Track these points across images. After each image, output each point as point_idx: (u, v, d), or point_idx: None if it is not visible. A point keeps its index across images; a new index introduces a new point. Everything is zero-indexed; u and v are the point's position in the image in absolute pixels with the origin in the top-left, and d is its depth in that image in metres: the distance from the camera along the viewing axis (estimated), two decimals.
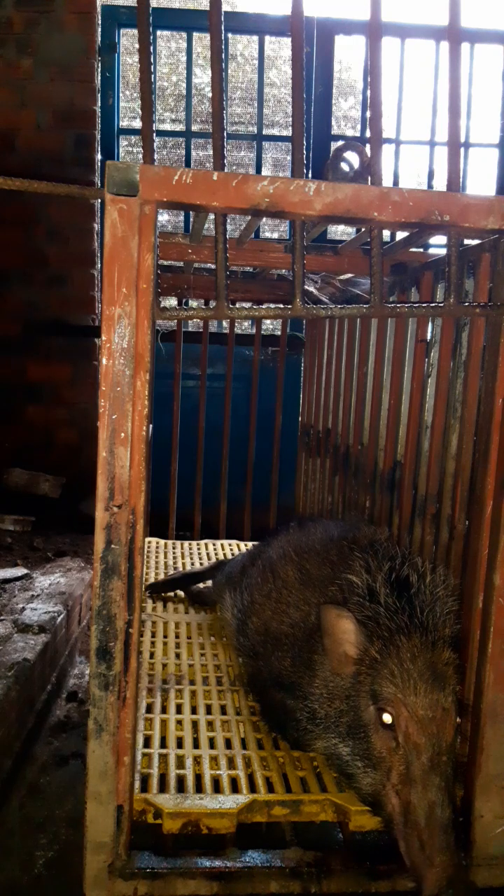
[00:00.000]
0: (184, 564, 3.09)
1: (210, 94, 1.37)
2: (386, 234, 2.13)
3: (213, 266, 2.09)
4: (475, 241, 1.69)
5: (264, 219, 1.78)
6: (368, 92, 1.50)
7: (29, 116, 4.02)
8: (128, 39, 4.65)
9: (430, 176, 4.18)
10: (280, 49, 5.84)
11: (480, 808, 1.48)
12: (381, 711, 1.40)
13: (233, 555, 3.10)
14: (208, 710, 1.88)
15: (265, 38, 4.18)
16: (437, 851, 1.25)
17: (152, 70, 1.39)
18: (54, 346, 4.18)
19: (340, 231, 4.61)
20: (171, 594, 2.72)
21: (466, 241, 1.71)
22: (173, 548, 3.33)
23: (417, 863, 1.27)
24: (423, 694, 1.37)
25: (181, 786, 1.56)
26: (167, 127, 6.24)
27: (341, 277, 2.52)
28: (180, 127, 5.92)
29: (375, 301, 1.39)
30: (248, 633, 1.99)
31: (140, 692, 1.92)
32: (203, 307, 3.22)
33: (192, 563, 3.10)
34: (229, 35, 4.23)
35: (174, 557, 3.19)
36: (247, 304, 3.28)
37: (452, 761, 1.38)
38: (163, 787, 1.55)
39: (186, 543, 3.39)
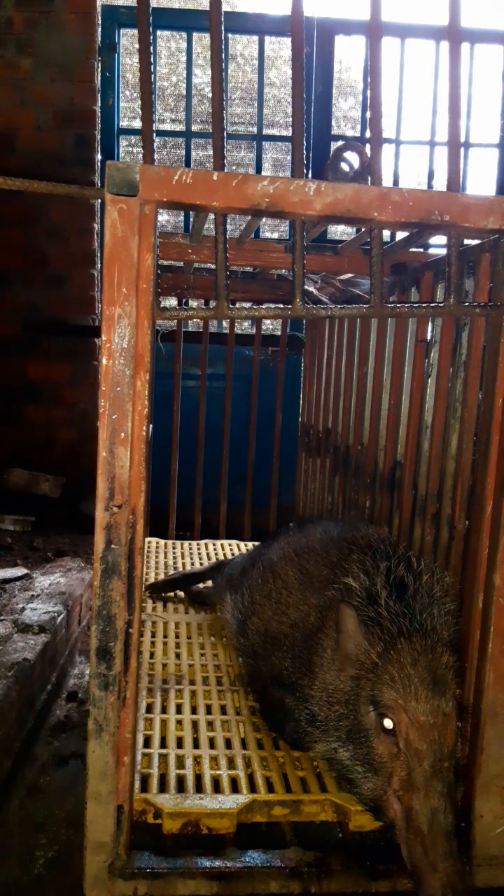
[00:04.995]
0: (184, 564, 3.09)
1: (210, 94, 1.37)
2: (386, 234, 2.13)
3: (213, 266, 2.09)
4: (475, 241, 1.69)
5: (264, 219, 1.78)
6: (368, 92, 1.50)
7: (29, 116, 4.02)
8: (128, 39, 4.65)
9: (430, 176, 4.18)
10: (280, 49, 5.84)
11: (480, 808, 1.48)
12: (382, 717, 1.40)
13: (233, 555, 3.10)
14: (208, 710, 1.88)
15: (265, 38, 4.18)
16: (440, 858, 1.25)
17: (152, 70, 1.39)
18: (54, 346, 4.18)
19: (340, 231, 4.61)
20: (171, 594, 2.73)
21: (466, 241, 1.71)
22: (173, 548, 3.33)
23: (420, 869, 1.27)
24: (423, 699, 1.37)
25: (181, 786, 1.56)
26: (167, 127, 6.24)
27: (341, 277, 2.52)
28: (180, 127, 5.92)
29: (375, 301, 1.39)
30: (248, 633, 1.99)
31: (140, 692, 1.92)
32: (203, 307, 3.22)
33: (192, 564, 3.10)
34: (229, 35, 4.23)
35: (174, 557, 3.19)
36: (247, 304, 3.28)
37: (454, 766, 1.38)
38: (163, 787, 1.55)
39: (186, 543, 3.39)
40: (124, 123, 4.56)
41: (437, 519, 1.96)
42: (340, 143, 2.97)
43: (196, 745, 1.72)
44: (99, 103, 4.08)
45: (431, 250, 2.75)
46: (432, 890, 1.24)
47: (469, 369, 1.78)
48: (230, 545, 3.40)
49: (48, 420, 4.22)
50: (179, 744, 1.72)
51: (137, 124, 2.22)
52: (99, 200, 3.82)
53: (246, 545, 3.34)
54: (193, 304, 3.55)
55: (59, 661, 2.46)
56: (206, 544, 3.39)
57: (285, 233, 5.03)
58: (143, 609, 2.55)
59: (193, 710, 1.88)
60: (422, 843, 1.28)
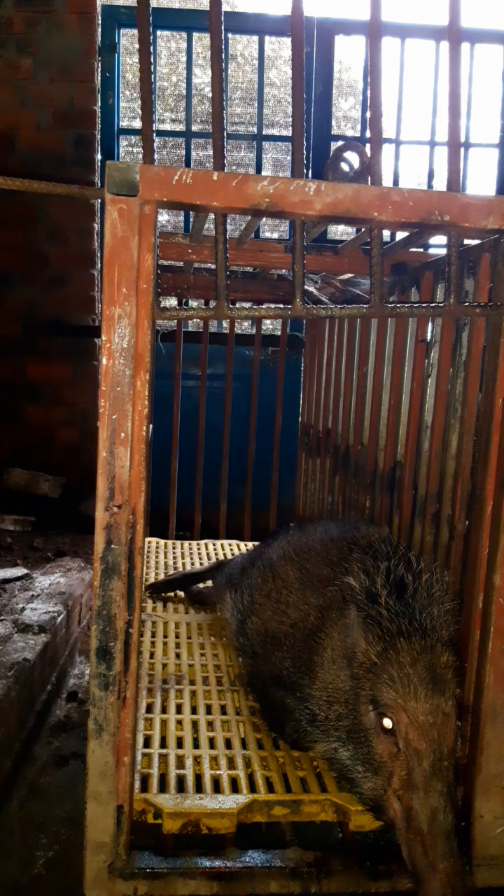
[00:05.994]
0: (184, 564, 3.09)
1: (210, 94, 1.37)
2: (386, 234, 2.13)
3: (213, 266, 2.09)
4: (475, 241, 1.69)
5: (264, 219, 1.78)
6: (368, 92, 1.50)
7: (29, 116, 4.02)
8: (128, 39, 4.65)
9: (430, 176, 4.18)
10: (280, 49, 5.84)
11: (480, 808, 1.48)
12: (382, 716, 1.40)
13: (233, 555, 3.10)
14: (208, 710, 1.88)
15: (265, 38, 4.18)
16: (440, 858, 1.25)
17: (152, 70, 1.39)
18: (54, 346, 4.18)
19: (340, 231, 4.61)
20: (171, 594, 2.72)
21: (466, 241, 1.71)
22: (173, 548, 3.33)
23: (420, 868, 1.27)
24: (423, 699, 1.36)
25: (181, 786, 1.56)
26: (167, 127, 6.24)
27: (341, 277, 2.52)
28: (180, 127, 5.92)
29: (375, 301, 1.39)
30: (248, 633, 1.99)
31: (140, 692, 1.92)
32: (203, 307, 3.22)
33: (192, 563, 3.10)
34: (229, 35, 4.23)
35: (174, 557, 3.19)
36: (247, 304, 3.28)
37: (454, 766, 1.38)
38: (163, 787, 1.55)
39: (186, 543, 3.39)
40: (124, 123, 4.56)
41: (437, 519, 1.96)
42: (340, 143, 2.97)
43: (196, 745, 1.72)
44: (99, 103, 4.08)
45: (431, 250, 2.75)
46: (433, 890, 1.24)
47: (469, 369, 1.78)
48: (230, 545, 3.40)
49: (48, 420, 4.22)
50: (179, 744, 1.72)
51: (137, 124, 2.22)
52: (99, 200, 3.83)
53: (246, 545, 3.34)
54: (193, 304, 3.55)
55: (59, 661, 2.46)
56: (206, 544, 3.39)
57: (285, 233, 5.03)
58: (143, 609, 2.55)
59: (193, 710, 1.88)
60: (422, 843, 1.28)
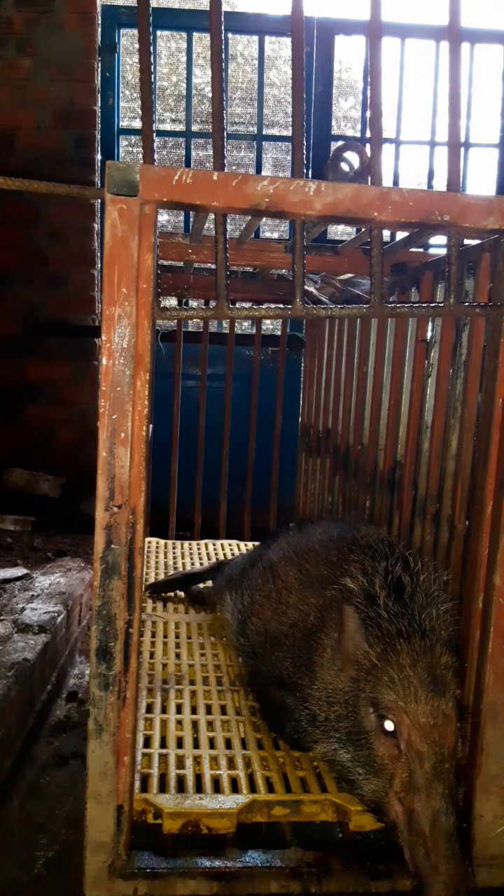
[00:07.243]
0: (184, 564, 3.09)
1: (210, 94, 1.37)
2: (386, 234, 2.13)
3: (213, 266, 2.09)
4: (475, 241, 1.69)
5: (264, 219, 1.78)
6: (368, 92, 1.50)
7: (29, 116, 4.02)
8: (128, 39, 4.65)
9: (430, 176, 4.18)
10: (280, 49, 5.84)
11: (480, 808, 1.48)
12: (383, 719, 1.40)
13: (233, 555, 3.10)
14: (208, 710, 1.88)
15: (265, 38, 4.18)
16: (442, 860, 1.25)
17: (152, 70, 1.39)
18: (54, 346, 4.18)
19: (340, 231, 4.61)
20: (171, 594, 2.73)
21: (466, 241, 1.71)
22: (173, 548, 3.33)
23: (423, 871, 1.27)
24: (424, 701, 1.36)
25: (181, 786, 1.56)
26: (167, 127, 6.24)
27: (341, 277, 2.52)
28: (180, 127, 5.92)
29: (375, 301, 1.39)
30: (248, 633, 1.99)
31: (140, 692, 1.92)
32: (203, 307, 3.22)
33: (192, 564, 3.10)
34: (229, 35, 4.23)
35: (174, 557, 3.19)
36: (247, 304, 3.28)
37: (455, 767, 1.38)
38: (163, 787, 1.55)
39: (186, 543, 3.39)
40: (124, 123, 4.56)
41: (437, 519, 1.96)
42: (340, 143, 2.97)
43: (196, 745, 1.72)
44: (99, 103, 4.08)
45: (431, 250, 2.75)
46: (435, 893, 1.23)
47: (469, 369, 1.78)
48: (230, 545, 3.40)
49: (48, 420, 4.22)
50: (179, 744, 1.72)
51: (137, 124, 2.22)
52: (99, 200, 3.83)
53: (246, 545, 3.34)
54: (193, 304, 3.55)
55: (59, 661, 2.46)
56: (206, 544, 3.39)
57: (285, 233, 5.03)
58: (143, 609, 2.55)
59: (193, 710, 1.88)
60: (424, 846, 1.28)
